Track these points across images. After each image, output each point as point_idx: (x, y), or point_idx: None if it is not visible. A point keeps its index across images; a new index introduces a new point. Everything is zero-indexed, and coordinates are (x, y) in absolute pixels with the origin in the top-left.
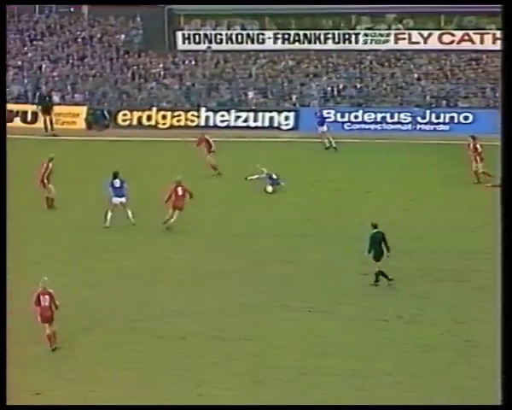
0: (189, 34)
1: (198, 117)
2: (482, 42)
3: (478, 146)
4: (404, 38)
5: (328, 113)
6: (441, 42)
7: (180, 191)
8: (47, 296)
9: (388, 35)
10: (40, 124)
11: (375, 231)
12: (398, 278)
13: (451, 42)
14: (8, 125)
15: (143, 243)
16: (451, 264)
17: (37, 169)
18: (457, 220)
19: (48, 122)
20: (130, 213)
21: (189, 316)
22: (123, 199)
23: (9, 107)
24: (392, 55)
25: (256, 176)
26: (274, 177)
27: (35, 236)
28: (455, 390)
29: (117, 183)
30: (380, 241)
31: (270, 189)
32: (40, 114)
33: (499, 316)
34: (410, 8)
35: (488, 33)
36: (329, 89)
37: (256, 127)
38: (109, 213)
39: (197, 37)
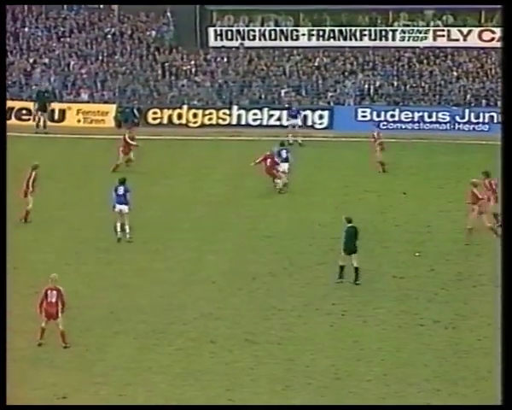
0: (221, 30)
1: (230, 115)
2: None
3: (381, 135)
4: (443, 35)
5: (364, 111)
6: (481, 39)
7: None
8: (55, 292)
9: (427, 32)
10: (69, 122)
11: (349, 225)
12: (435, 281)
13: (492, 39)
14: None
15: (176, 243)
16: (490, 268)
17: (61, 169)
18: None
19: (42, 120)
20: (127, 226)
21: (221, 319)
22: (124, 207)
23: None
24: (431, 53)
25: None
26: (284, 155)
27: (51, 235)
28: (494, 398)
29: (121, 190)
30: (352, 235)
31: (280, 182)
32: (34, 110)
33: None
34: (450, 5)
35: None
36: (365, 87)
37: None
38: (118, 224)
39: (229, 33)
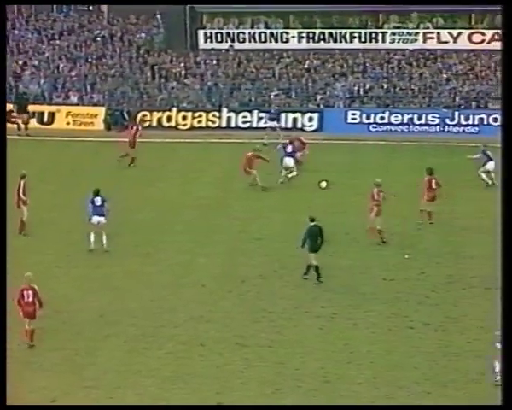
0: (211, 33)
1: (219, 118)
2: None
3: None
4: (433, 38)
5: (354, 114)
6: (471, 41)
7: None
8: (30, 292)
9: (417, 34)
10: (58, 124)
11: (312, 224)
12: (425, 284)
13: (482, 41)
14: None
15: (166, 246)
16: (481, 270)
17: (51, 171)
18: (488, 225)
19: (22, 121)
20: (104, 237)
21: (211, 322)
22: (102, 219)
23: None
24: (421, 55)
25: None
26: (289, 149)
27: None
28: (484, 400)
29: (98, 201)
30: (316, 234)
31: (323, 184)
32: (15, 112)
33: None
34: (439, 7)
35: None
36: (355, 89)
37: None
38: (92, 235)
39: (219, 35)
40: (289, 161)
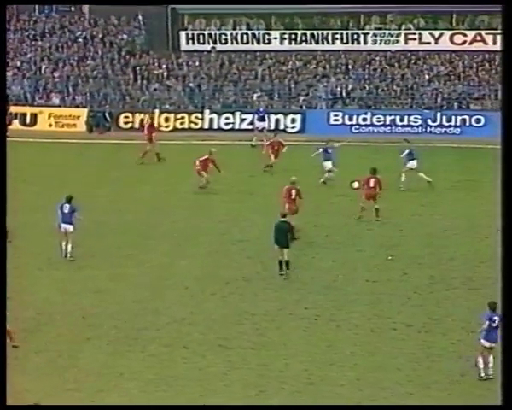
0: (192, 34)
1: (202, 119)
2: (495, 42)
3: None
4: (415, 39)
5: (336, 115)
6: (453, 42)
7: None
8: None
9: (398, 35)
10: (40, 126)
11: (282, 220)
12: (408, 285)
13: (463, 42)
14: (9, 127)
15: (149, 248)
16: (463, 271)
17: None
18: (469, 227)
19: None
20: (70, 246)
21: (194, 325)
22: (69, 227)
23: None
24: (403, 56)
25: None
26: (329, 150)
27: (37, 240)
28: (467, 401)
29: (66, 208)
30: (286, 231)
31: (356, 184)
32: None
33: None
34: (421, 8)
35: (500, 33)
36: (337, 90)
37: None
38: (63, 244)
39: (201, 37)
40: (328, 164)
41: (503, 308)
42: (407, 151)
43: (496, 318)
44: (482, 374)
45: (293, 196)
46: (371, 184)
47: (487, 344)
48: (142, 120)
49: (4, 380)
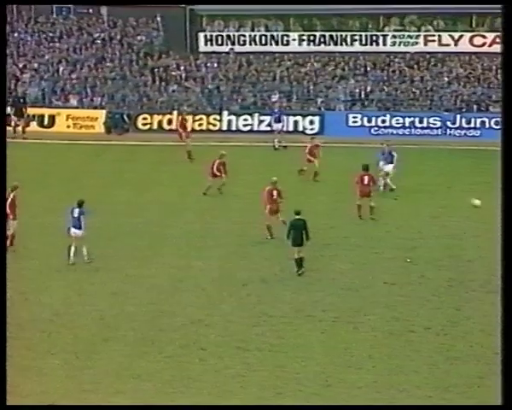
0: (211, 36)
1: (220, 121)
2: None
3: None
4: (434, 40)
5: (355, 117)
6: (472, 44)
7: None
8: None
9: (418, 37)
10: (58, 128)
11: (297, 218)
12: (426, 288)
13: (483, 44)
14: (26, 129)
15: (165, 250)
16: (482, 274)
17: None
18: (488, 230)
19: (20, 125)
20: (85, 249)
21: (211, 326)
22: (78, 231)
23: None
24: (422, 58)
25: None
26: (393, 153)
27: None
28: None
29: (75, 212)
30: (301, 228)
31: (477, 202)
32: (12, 116)
33: None
34: (440, 9)
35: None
36: (356, 92)
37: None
38: (72, 249)
39: (220, 38)
40: (388, 167)
41: (503, 308)
42: (386, 154)
43: None
44: None
45: (274, 197)
46: (365, 182)
47: None
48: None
49: (4, 380)
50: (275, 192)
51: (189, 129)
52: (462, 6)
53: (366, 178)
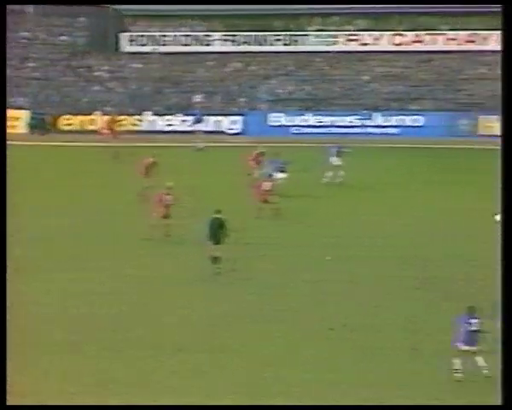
0: (134, 36)
1: (142, 121)
2: (434, 42)
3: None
4: (355, 40)
5: (277, 117)
6: (392, 43)
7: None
8: None
9: (339, 36)
10: None
11: (215, 216)
12: (350, 286)
13: (402, 43)
14: None
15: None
16: (405, 271)
17: None
18: (418, 227)
19: None
20: None
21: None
22: None
23: None
24: (342, 57)
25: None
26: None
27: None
28: (403, 398)
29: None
30: (219, 226)
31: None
32: None
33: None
34: (361, 9)
35: (440, 34)
36: (278, 92)
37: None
38: None
39: (143, 39)
40: (336, 161)
41: (504, 309)
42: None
43: (473, 321)
44: (459, 375)
45: (166, 202)
46: (264, 187)
47: (466, 348)
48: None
49: (4, 380)
50: (167, 197)
51: (116, 129)
52: (384, 6)
53: (264, 185)
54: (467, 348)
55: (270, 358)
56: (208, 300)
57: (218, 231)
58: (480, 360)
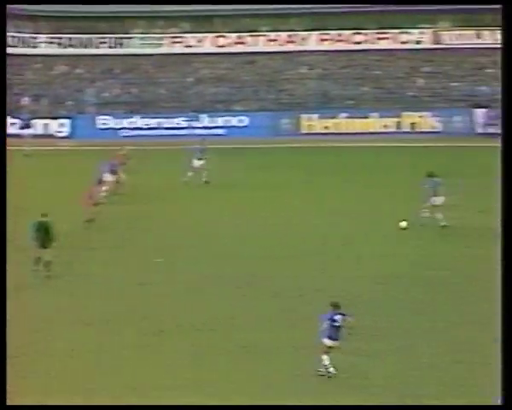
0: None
1: None
2: (256, 44)
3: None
4: (180, 42)
5: (104, 119)
6: (216, 45)
7: None
8: None
9: (163, 39)
10: None
11: (42, 220)
12: (178, 287)
13: (226, 45)
14: None
15: None
16: (243, 269)
17: None
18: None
19: None
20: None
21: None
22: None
23: None
24: (168, 60)
25: None
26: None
27: None
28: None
29: None
30: (45, 230)
31: (404, 224)
32: None
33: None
34: (185, 12)
35: (262, 35)
36: (105, 95)
37: (30, 135)
38: None
39: None
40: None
41: (504, 309)
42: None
43: (337, 317)
44: (331, 370)
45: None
46: (95, 191)
47: (330, 343)
48: None
49: (4, 380)
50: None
51: None
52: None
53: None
54: (331, 343)
55: (106, 363)
56: (31, 305)
57: (44, 234)
58: (325, 358)
